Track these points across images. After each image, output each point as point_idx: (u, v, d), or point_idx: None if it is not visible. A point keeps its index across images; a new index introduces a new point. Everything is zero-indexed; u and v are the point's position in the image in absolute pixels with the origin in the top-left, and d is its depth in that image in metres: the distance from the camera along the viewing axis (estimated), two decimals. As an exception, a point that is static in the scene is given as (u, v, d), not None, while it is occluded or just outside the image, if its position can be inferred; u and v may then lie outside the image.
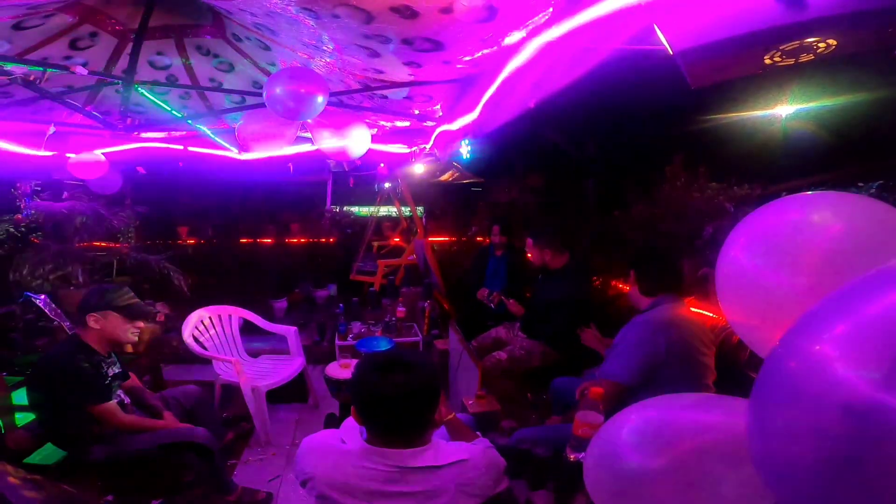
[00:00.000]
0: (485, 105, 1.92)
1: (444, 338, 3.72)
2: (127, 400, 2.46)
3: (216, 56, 2.10)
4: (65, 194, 4.27)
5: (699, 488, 0.73)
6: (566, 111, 2.95)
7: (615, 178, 3.56)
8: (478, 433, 1.59)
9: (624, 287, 2.56)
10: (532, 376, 2.94)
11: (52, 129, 2.44)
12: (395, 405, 1.19)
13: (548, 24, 1.20)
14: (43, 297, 3.38)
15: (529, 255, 3.16)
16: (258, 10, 1.43)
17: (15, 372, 2.85)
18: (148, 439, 2.29)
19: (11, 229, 3.82)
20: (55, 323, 3.39)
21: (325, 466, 1.24)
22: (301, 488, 1.29)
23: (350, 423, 1.40)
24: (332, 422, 2.98)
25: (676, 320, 1.82)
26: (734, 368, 2.35)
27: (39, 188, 4.11)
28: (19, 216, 3.90)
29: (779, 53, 0.89)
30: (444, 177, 4.18)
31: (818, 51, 0.92)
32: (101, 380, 2.24)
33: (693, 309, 1.99)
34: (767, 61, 0.91)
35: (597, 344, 2.49)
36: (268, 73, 2.20)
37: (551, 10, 1.15)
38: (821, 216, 0.77)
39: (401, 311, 4.06)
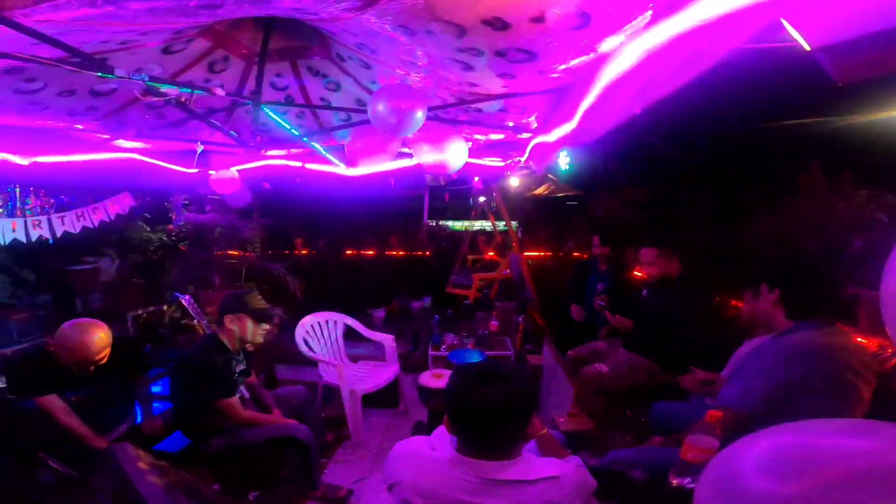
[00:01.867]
0: (583, 114, 1.84)
1: (537, 353, 3.61)
2: (247, 395, 2.71)
3: (325, 76, 2.30)
4: (207, 207, 4.97)
5: None
6: (674, 117, 2.72)
7: (733, 188, 3.21)
8: (569, 451, 1.52)
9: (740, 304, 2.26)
10: (630, 396, 2.73)
11: (200, 148, 2.84)
12: (488, 416, 1.17)
13: (648, 26, 1.13)
14: (187, 297, 3.92)
15: (646, 269, 2.95)
16: (359, 30, 1.54)
17: (159, 364, 3.23)
18: (258, 433, 2.48)
19: (164, 238, 4.51)
20: (195, 321, 3.90)
21: (413, 472, 1.26)
22: (384, 492, 1.33)
23: (441, 431, 1.40)
24: (420, 429, 3.03)
25: (819, 348, 1.55)
26: (887, 397, 1.97)
27: (187, 202, 4.82)
28: (171, 226, 4.60)
29: None
30: (540, 190, 4.11)
31: None
32: (230, 375, 2.51)
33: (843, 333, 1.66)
34: None
35: (698, 388, 2.25)
36: (369, 91, 2.36)
37: (650, 12, 1.08)
38: None
39: (494, 324, 4.04)
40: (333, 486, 2.68)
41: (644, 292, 2.98)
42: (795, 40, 1.01)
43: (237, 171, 3.56)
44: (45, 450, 2.12)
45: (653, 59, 1.29)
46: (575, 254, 3.90)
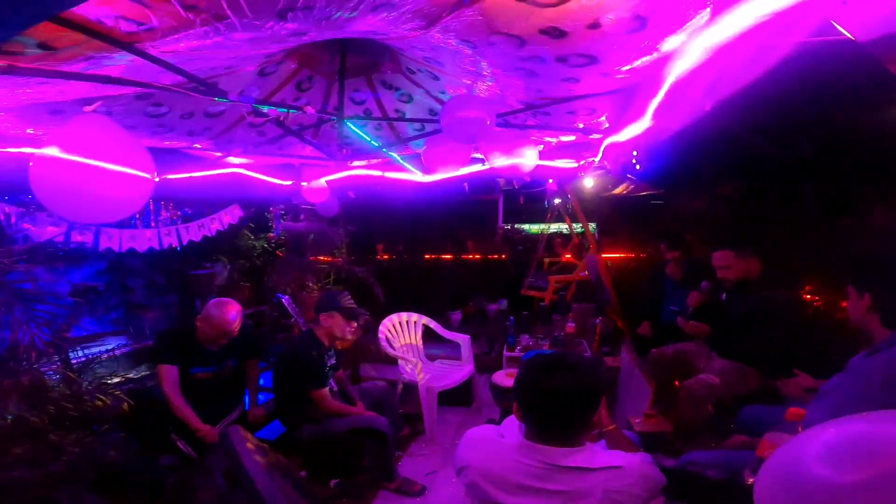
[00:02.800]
0: (656, 112, 1.82)
1: (614, 355, 3.53)
2: (335, 388, 2.97)
3: (397, 89, 2.47)
4: (301, 216, 5.45)
5: None
6: (766, 108, 2.53)
7: (840, 181, 2.90)
8: (640, 448, 1.51)
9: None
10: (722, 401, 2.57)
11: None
12: (554, 402, 1.23)
13: (708, 24, 1.12)
14: (287, 297, 4.34)
15: (722, 272, 2.82)
16: (425, 45, 1.65)
17: (261, 359, 3.55)
18: (344, 423, 2.70)
19: (266, 245, 5.03)
20: (292, 320, 4.29)
21: (481, 457, 1.34)
22: (455, 479, 1.42)
23: (511, 420, 1.47)
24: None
25: None
26: None
27: (284, 211, 5.33)
28: (271, 234, 5.12)
29: None
30: (618, 190, 4.00)
31: None
32: (323, 369, 2.78)
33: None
34: None
35: (800, 394, 2.07)
36: (440, 101, 2.49)
37: (709, 10, 1.07)
38: None
39: (570, 326, 4.00)
40: (409, 480, 2.83)
41: (723, 296, 2.81)
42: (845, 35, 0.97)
43: (326, 181, 3.90)
44: (175, 432, 2.45)
45: (718, 56, 1.27)
46: (668, 255, 3.73)
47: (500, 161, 2.62)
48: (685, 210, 4.30)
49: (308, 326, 2.97)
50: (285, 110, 1.94)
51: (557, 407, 1.23)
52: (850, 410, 1.39)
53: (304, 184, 3.79)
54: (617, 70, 1.53)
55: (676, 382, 2.81)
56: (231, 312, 2.64)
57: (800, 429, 1.21)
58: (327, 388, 2.78)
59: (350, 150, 3.15)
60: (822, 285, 2.93)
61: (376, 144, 2.78)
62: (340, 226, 5.55)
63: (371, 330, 4.09)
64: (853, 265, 1.70)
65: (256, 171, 3.79)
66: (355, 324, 2.97)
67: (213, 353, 2.70)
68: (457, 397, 3.76)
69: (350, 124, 2.39)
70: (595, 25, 1.18)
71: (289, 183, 4.00)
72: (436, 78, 2.23)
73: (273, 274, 4.87)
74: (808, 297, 2.94)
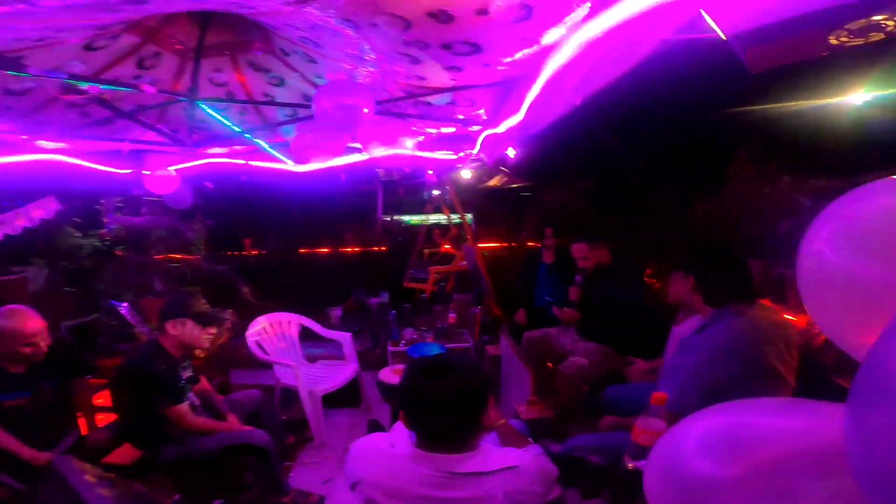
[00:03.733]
0: (530, 106, 1.87)
1: (495, 343, 3.67)
2: (197, 402, 2.61)
3: (267, 71, 2.22)
4: (143, 209, 4.68)
5: (780, 500, 0.65)
6: (617, 109, 2.84)
7: (676, 178, 3.39)
8: (529, 439, 1.55)
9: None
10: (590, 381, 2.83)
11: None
12: (440, 409, 1.18)
13: (587, 19, 1.16)
14: (125, 304, 3.69)
15: (583, 260, 3.07)
16: (302, 24, 1.49)
17: (100, 376, 3.09)
18: (213, 441, 2.41)
19: (97, 243, 4.22)
20: (136, 329, 3.69)
21: (374, 470, 1.26)
22: (350, 493, 1.31)
23: (399, 426, 1.39)
24: (376, 428, 3.03)
25: (743, 343, 1.58)
26: (817, 374, 2.13)
27: (121, 204, 4.52)
28: (103, 231, 4.30)
29: (845, 33, 0.79)
30: (492, 182, 4.16)
31: (888, 28, 0.81)
32: (175, 383, 2.41)
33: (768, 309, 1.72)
34: (833, 41, 0.81)
35: (641, 378, 2.35)
36: (316, 86, 2.29)
37: (589, 4, 1.11)
38: None
39: (452, 317, 4.07)
40: (304, 492, 2.64)
41: (578, 278, 3.08)
42: (709, 33, 1.07)
43: (175, 170, 3.38)
44: None
45: (591, 51, 1.32)
46: (529, 243, 3.98)
47: (378, 151, 2.51)
48: (550, 202, 4.66)
49: (153, 336, 2.56)
50: (112, 87, 1.58)
51: (443, 414, 1.19)
52: (692, 384, 1.56)
53: (146, 172, 3.23)
54: (499, 61, 1.53)
55: (550, 365, 3.03)
56: (28, 324, 2.18)
57: (665, 412, 1.33)
58: (186, 404, 2.43)
59: (205, 135, 2.75)
60: (661, 270, 3.40)
61: (237, 130, 2.46)
62: (197, 219, 4.90)
63: (240, 333, 3.70)
64: (680, 251, 1.95)
65: (80, 158, 3.13)
66: (213, 330, 2.64)
67: (19, 376, 2.20)
68: (343, 398, 3.59)
69: (205, 107, 2.06)
70: (483, 12, 1.15)
71: (126, 172, 3.37)
72: (312, 61, 2.03)
73: (108, 276, 4.12)
74: (650, 280, 3.38)
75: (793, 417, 0.73)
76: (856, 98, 2.11)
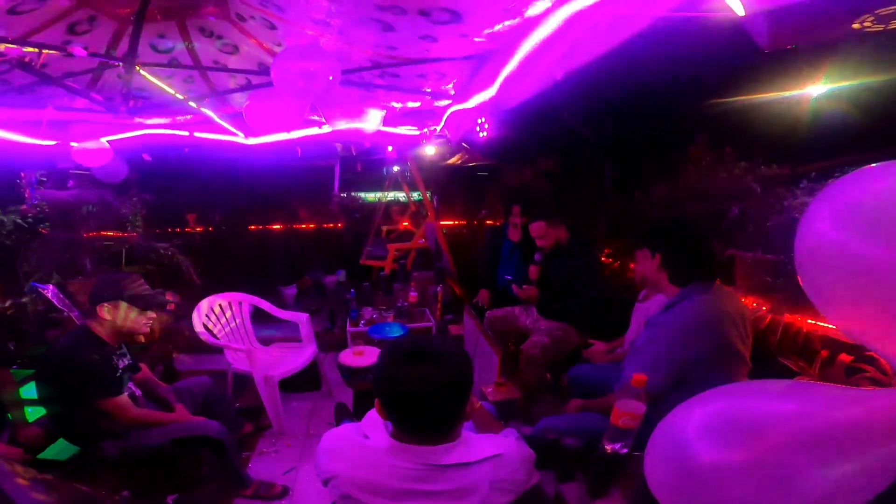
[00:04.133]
0: (504, 81, 1.80)
1: (458, 322, 3.66)
2: (138, 392, 2.41)
3: (220, 38, 2.01)
4: (70, 183, 4.23)
5: (782, 485, 0.66)
6: (581, 92, 2.84)
7: (634, 160, 3.46)
8: (502, 423, 1.53)
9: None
10: (552, 361, 2.87)
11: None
12: (425, 400, 1.10)
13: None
14: (51, 287, 3.35)
15: (540, 238, 3.04)
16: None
17: (26, 365, 2.82)
18: (160, 434, 2.24)
19: (18, 220, 3.78)
20: (65, 314, 3.36)
21: (348, 465, 1.18)
22: (320, 483, 1.24)
23: (373, 416, 1.30)
24: (344, 412, 2.95)
25: (707, 322, 1.60)
26: (765, 355, 2.26)
27: (44, 178, 4.06)
28: (25, 206, 3.86)
29: (871, 18, 0.78)
30: (454, 160, 4.08)
31: None
32: (111, 373, 2.20)
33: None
34: (856, 27, 0.80)
35: (602, 358, 2.39)
36: (274, 54, 2.10)
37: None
38: None
39: (413, 295, 4.00)
40: (266, 483, 2.52)
41: (537, 256, 3.09)
42: (711, 11, 1.05)
43: (108, 141, 3.05)
44: None
45: (577, 26, 1.27)
46: (488, 222, 3.97)
47: (340, 123, 2.36)
48: (512, 181, 4.66)
49: (83, 321, 2.32)
50: (36, 50, 1.36)
51: (427, 406, 1.11)
52: (661, 363, 1.58)
53: (74, 144, 2.89)
54: (478, 32, 1.44)
55: (512, 347, 3.05)
56: None
57: (643, 395, 1.34)
58: (125, 395, 2.24)
59: (143, 104, 2.47)
60: (618, 250, 3.49)
61: (180, 97, 2.22)
62: (133, 194, 4.50)
63: (186, 315, 3.46)
64: (646, 230, 1.96)
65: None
66: (153, 313, 2.42)
67: None
68: (302, 382, 3.45)
69: (144, 73, 1.83)
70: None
71: (51, 143, 3.00)
72: (272, 27, 1.85)
73: (31, 256, 3.71)
74: (608, 260, 3.47)
75: (792, 401, 0.73)
76: (811, 90, 2.20)
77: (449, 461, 1.13)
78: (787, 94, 2.33)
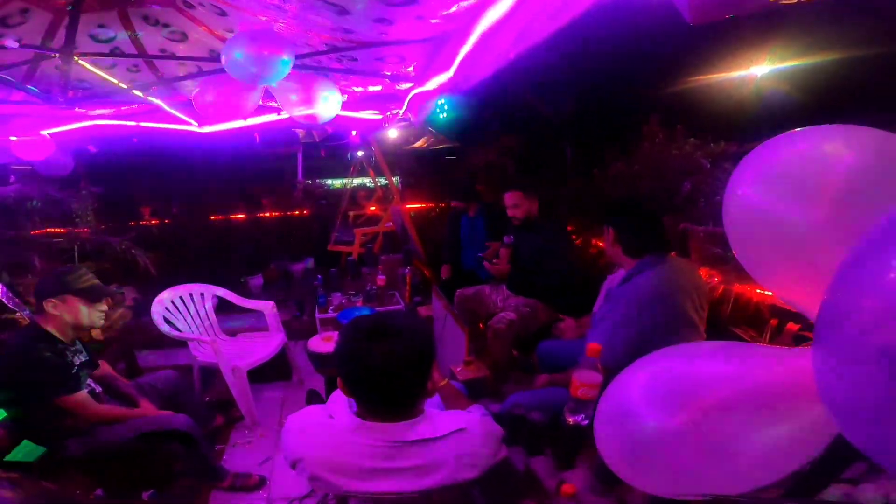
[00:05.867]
0: (461, 62, 1.81)
1: (427, 304, 3.69)
2: (98, 389, 2.35)
3: (166, 26, 1.91)
4: (11, 178, 3.98)
5: (722, 450, 0.70)
6: (542, 72, 2.87)
7: (593, 138, 3.53)
8: (471, 401, 1.57)
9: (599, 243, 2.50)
10: (521, 338, 2.93)
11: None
12: (386, 376, 1.10)
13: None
14: (0, 286, 3.18)
15: (514, 210, 3.06)
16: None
17: None
18: (126, 429, 2.20)
19: (-44, 218, 3.55)
20: (17, 314, 3.21)
21: (314, 445, 1.18)
22: (293, 472, 1.24)
23: (337, 395, 1.31)
24: (315, 399, 2.95)
25: (665, 290, 1.65)
26: (718, 324, 2.37)
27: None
28: (-39, 204, 3.62)
29: None
30: (419, 143, 4.06)
31: None
32: (66, 369, 2.13)
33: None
34: (772, 0, 0.85)
35: (574, 333, 2.43)
36: (225, 41, 2.02)
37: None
38: (832, 147, 0.73)
39: (381, 279, 4.00)
40: (243, 474, 2.52)
41: (507, 239, 3.11)
42: None
43: (49, 134, 2.88)
44: None
45: (529, 5, 1.28)
46: (453, 203, 3.99)
47: (297, 110, 2.30)
48: (477, 161, 4.68)
49: (33, 318, 2.24)
50: None
51: (389, 381, 1.11)
52: (619, 335, 1.64)
53: (13, 138, 2.72)
54: (434, 14, 1.44)
55: (481, 325, 3.10)
56: None
57: (599, 365, 1.37)
58: (84, 392, 2.19)
59: (83, 94, 2.33)
60: (579, 227, 3.58)
61: (123, 86, 2.12)
62: (82, 188, 4.28)
63: (145, 311, 3.36)
64: (601, 206, 2.02)
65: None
66: (104, 305, 2.35)
67: None
68: (272, 372, 3.43)
69: (85, 63, 1.74)
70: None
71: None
72: (223, 13, 1.78)
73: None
74: (570, 235, 3.56)
75: (726, 364, 0.77)
76: (755, 70, 2.30)
77: (413, 437, 1.13)
78: (733, 74, 2.44)
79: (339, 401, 1.29)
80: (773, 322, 2.27)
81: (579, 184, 3.65)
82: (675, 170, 2.94)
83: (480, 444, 1.18)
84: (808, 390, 0.66)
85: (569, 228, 3.69)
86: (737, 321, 2.41)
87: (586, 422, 1.39)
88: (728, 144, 2.81)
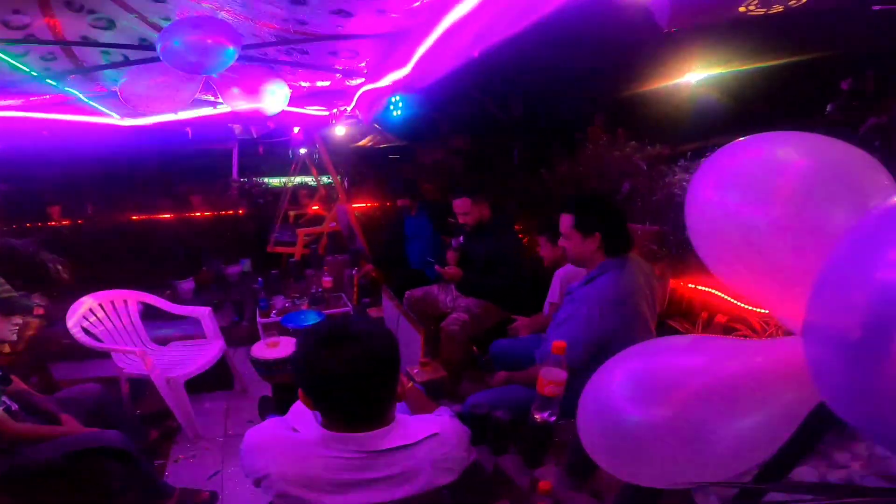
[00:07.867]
0: (420, 59, 1.78)
1: (376, 305, 3.62)
2: (14, 407, 2.12)
3: (91, 12, 1.70)
4: None
5: (698, 440, 0.74)
6: (495, 72, 2.91)
7: (540, 139, 3.64)
8: (433, 403, 1.55)
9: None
10: (473, 337, 2.94)
11: None
12: (352, 384, 1.03)
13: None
14: None
15: (465, 217, 3.04)
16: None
17: None
18: (50, 448, 2.00)
19: None
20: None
21: (280, 462, 1.09)
22: (251, 484, 1.15)
23: (299, 407, 1.24)
24: (268, 405, 2.81)
25: (624, 293, 1.69)
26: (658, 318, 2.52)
27: None
28: None
29: (756, 2, 0.89)
30: (364, 141, 3.97)
31: (790, 3, 0.93)
32: None
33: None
34: (742, 10, 0.91)
35: (528, 331, 2.46)
36: (159, 29, 1.84)
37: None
38: (784, 152, 0.79)
39: (327, 280, 3.88)
40: (191, 490, 2.34)
41: (454, 242, 3.11)
42: None
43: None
44: None
45: (492, 5, 1.28)
46: (399, 202, 3.96)
47: (239, 104, 2.16)
48: (424, 160, 4.66)
49: None
50: None
51: (358, 389, 1.04)
52: (582, 335, 1.66)
53: None
54: (397, 8, 1.40)
55: (432, 326, 3.09)
56: None
57: (564, 363, 1.39)
58: (0, 409, 1.96)
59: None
60: (528, 227, 3.68)
61: (36, 74, 1.88)
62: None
63: (58, 320, 3.03)
64: (555, 205, 2.04)
65: None
66: (19, 318, 2.13)
67: None
68: (212, 381, 3.22)
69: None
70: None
71: None
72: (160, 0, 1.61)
73: None
74: (520, 236, 3.64)
75: (697, 356, 0.82)
76: (689, 77, 2.47)
77: (387, 445, 1.09)
78: (671, 82, 2.60)
79: (303, 413, 1.21)
80: (704, 315, 2.44)
81: (526, 184, 3.74)
82: (616, 171, 3.09)
83: (455, 447, 1.16)
84: (779, 378, 0.72)
85: (516, 228, 3.78)
86: (672, 314, 2.57)
87: (553, 418, 1.42)
88: (663, 147, 3.00)
